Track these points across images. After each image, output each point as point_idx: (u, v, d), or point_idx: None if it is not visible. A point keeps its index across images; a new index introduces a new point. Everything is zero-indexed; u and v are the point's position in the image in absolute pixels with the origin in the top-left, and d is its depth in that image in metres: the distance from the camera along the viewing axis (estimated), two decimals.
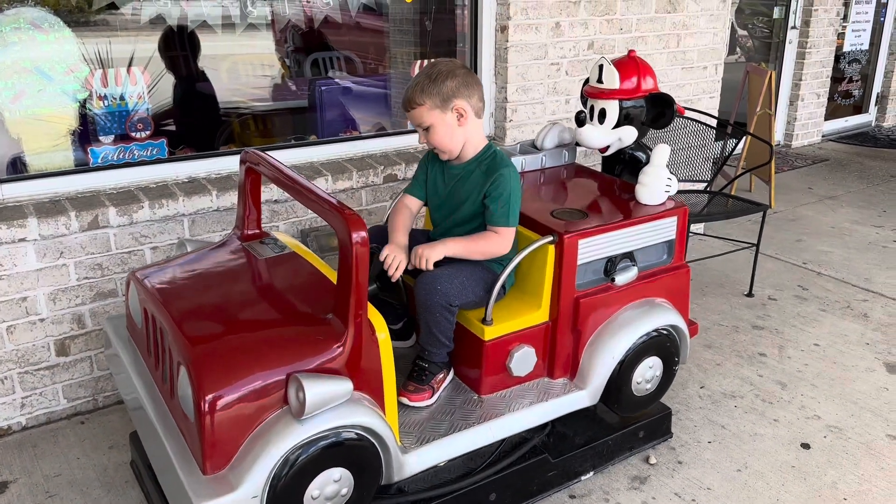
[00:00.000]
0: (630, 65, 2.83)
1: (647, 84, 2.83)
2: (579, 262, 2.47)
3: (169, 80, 3.44)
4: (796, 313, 3.93)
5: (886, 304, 4.03)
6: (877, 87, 8.31)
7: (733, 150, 4.79)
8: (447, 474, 2.41)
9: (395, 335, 2.57)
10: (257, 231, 2.56)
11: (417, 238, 2.53)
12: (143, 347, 2.31)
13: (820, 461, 2.77)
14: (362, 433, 2.04)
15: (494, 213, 2.38)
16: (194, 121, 3.56)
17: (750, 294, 4.14)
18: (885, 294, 4.15)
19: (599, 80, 2.84)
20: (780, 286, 4.26)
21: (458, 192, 2.47)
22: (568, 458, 2.59)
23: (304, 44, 3.90)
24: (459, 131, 2.39)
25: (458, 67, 2.39)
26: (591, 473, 2.67)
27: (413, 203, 2.59)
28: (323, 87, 3.93)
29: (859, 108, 8.32)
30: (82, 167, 3.05)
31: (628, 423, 2.76)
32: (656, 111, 2.83)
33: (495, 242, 2.40)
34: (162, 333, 2.12)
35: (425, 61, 3.91)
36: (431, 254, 2.32)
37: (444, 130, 2.37)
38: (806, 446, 2.86)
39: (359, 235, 1.96)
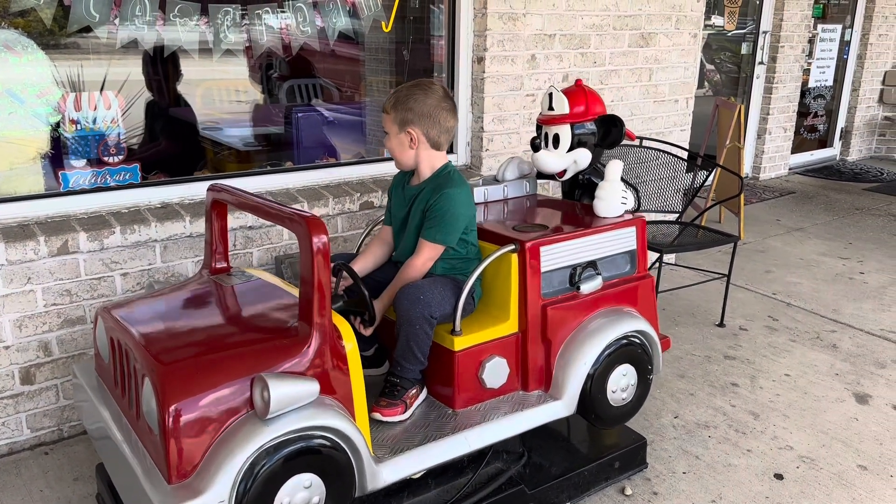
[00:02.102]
0: (578, 93, 2.95)
1: (596, 108, 2.95)
2: (543, 271, 2.52)
3: (143, 104, 3.40)
4: (767, 343, 3.98)
5: (854, 335, 4.09)
6: (841, 122, 8.53)
7: (704, 182, 4.87)
8: None
9: (366, 362, 2.55)
10: (225, 265, 2.58)
11: (386, 271, 2.60)
12: (110, 382, 2.27)
13: (793, 492, 2.78)
14: (331, 437, 2.02)
15: (426, 227, 2.44)
16: (168, 146, 3.53)
17: (721, 324, 4.18)
18: (853, 325, 4.22)
19: (550, 108, 2.92)
20: (751, 316, 4.31)
21: (412, 212, 2.53)
22: (544, 489, 2.57)
23: (281, 71, 3.90)
24: (410, 152, 2.49)
25: (432, 96, 2.44)
26: None
27: (385, 233, 2.67)
28: (300, 114, 3.93)
29: (824, 143, 8.53)
30: (53, 191, 3.00)
31: (604, 453, 2.76)
32: (604, 129, 2.92)
33: (413, 266, 2.44)
34: (128, 356, 2.09)
35: None
36: (377, 319, 2.40)
37: (395, 144, 2.50)
38: (779, 477, 2.87)
39: (319, 239, 1.99)
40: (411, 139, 2.46)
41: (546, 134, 2.97)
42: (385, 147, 2.56)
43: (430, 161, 2.51)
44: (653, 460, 2.92)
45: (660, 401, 3.36)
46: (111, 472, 2.26)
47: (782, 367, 3.73)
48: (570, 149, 2.92)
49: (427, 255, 2.45)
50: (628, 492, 2.75)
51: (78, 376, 2.45)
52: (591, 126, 2.92)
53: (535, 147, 3.02)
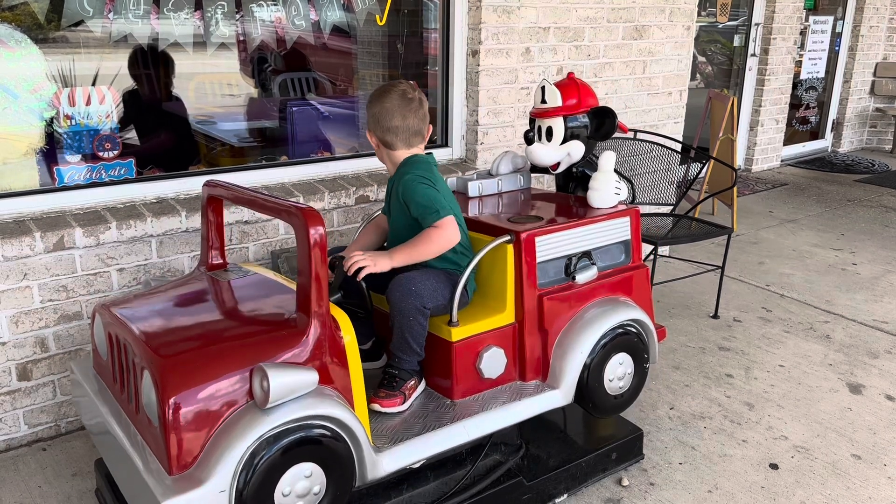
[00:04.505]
0: (570, 85, 2.96)
1: (588, 100, 2.95)
2: (538, 261, 2.54)
3: (138, 99, 3.39)
4: (761, 335, 4.00)
5: (847, 326, 4.12)
6: (832, 114, 8.56)
7: (697, 174, 4.88)
8: (421, 500, 2.39)
9: (364, 356, 2.56)
10: (221, 261, 2.58)
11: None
12: (108, 378, 2.27)
13: (788, 481, 2.81)
14: (331, 427, 2.03)
15: (420, 215, 2.42)
16: (163, 140, 3.51)
17: (715, 316, 4.21)
18: (846, 316, 4.25)
19: (543, 101, 2.93)
20: (745, 308, 4.34)
21: (393, 205, 2.57)
22: (542, 480, 2.58)
23: (276, 64, 3.89)
24: (379, 151, 2.57)
25: (381, 98, 2.47)
26: (565, 496, 2.67)
27: (381, 219, 2.73)
28: (294, 108, 3.92)
29: (816, 134, 8.57)
30: (48, 187, 2.99)
31: (601, 444, 2.78)
32: (597, 122, 2.93)
33: (437, 236, 2.39)
34: (126, 351, 2.10)
35: None
36: (373, 263, 2.32)
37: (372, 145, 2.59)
38: (774, 467, 2.89)
39: (316, 231, 2.00)
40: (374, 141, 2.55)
41: (539, 127, 2.98)
42: None
43: (391, 159, 2.55)
44: (649, 451, 2.94)
45: (655, 392, 3.38)
46: (111, 466, 2.26)
47: (776, 357, 3.75)
48: (564, 141, 2.93)
49: (442, 230, 2.37)
50: (625, 483, 2.77)
51: (76, 373, 2.45)
52: (583, 118, 2.92)
53: (529, 140, 3.02)
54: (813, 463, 2.92)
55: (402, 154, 2.53)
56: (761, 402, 3.34)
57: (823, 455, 2.97)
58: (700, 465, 2.89)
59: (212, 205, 2.50)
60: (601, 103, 2.98)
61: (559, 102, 2.90)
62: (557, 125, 2.93)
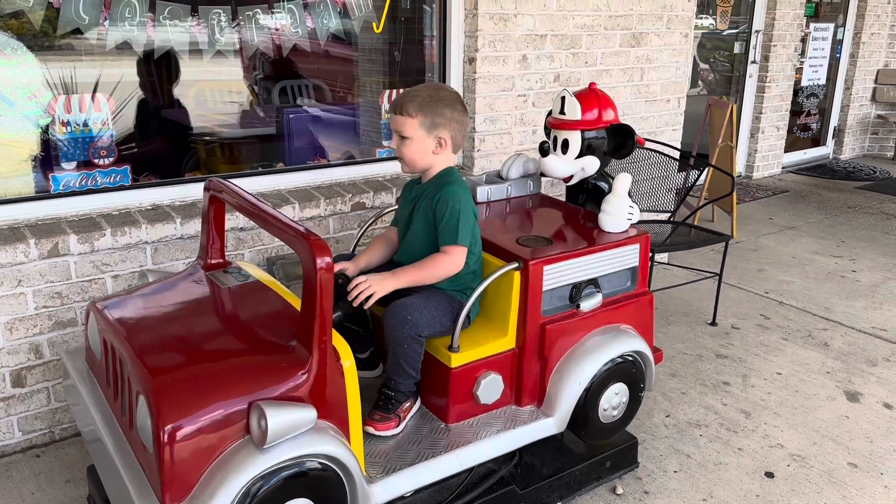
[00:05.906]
0: (591, 97, 2.89)
1: (608, 115, 2.90)
2: (545, 289, 2.49)
3: (134, 106, 3.40)
4: (759, 342, 3.99)
5: (846, 333, 4.10)
6: (833, 121, 8.55)
7: (696, 181, 4.88)
8: None
9: (361, 364, 2.55)
10: (221, 260, 2.54)
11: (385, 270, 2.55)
12: (101, 379, 2.26)
13: (784, 490, 2.79)
14: (326, 462, 2.01)
15: (441, 231, 2.39)
16: (159, 147, 3.52)
17: (713, 323, 4.19)
18: (845, 323, 4.23)
19: (562, 112, 2.89)
20: (743, 315, 4.32)
21: (416, 211, 2.50)
22: (535, 488, 2.57)
23: (273, 71, 3.90)
24: (432, 156, 2.44)
25: (458, 102, 2.44)
26: None
27: (392, 232, 2.64)
28: (291, 115, 3.93)
29: (817, 141, 8.55)
30: (43, 194, 2.99)
31: (595, 452, 2.76)
32: (617, 141, 2.89)
33: (443, 263, 2.37)
34: (121, 363, 2.08)
35: (394, 91, 3.94)
36: (379, 288, 2.30)
37: (419, 148, 2.42)
38: (770, 475, 2.88)
39: (323, 261, 1.95)
40: (439, 144, 2.42)
41: (555, 137, 2.93)
42: (398, 151, 2.46)
43: (443, 163, 2.47)
44: (644, 459, 2.93)
45: (651, 400, 3.37)
46: (104, 478, 2.24)
47: (774, 365, 3.74)
48: (580, 155, 2.89)
49: (454, 259, 2.37)
50: (619, 491, 2.76)
51: (69, 370, 2.43)
52: (601, 133, 2.88)
53: (544, 151, 2.97)
54: (809, 471, 2.90)
55: (447, 161, 2.46)
56: (758, 410, 3.32)
57: (820, 463, 2.95)
58: (695, 474, 2.87)
59: (214, 203, 2.46)
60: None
61: (578, 116, 2.84)
62: (574, 138, 2.88)
